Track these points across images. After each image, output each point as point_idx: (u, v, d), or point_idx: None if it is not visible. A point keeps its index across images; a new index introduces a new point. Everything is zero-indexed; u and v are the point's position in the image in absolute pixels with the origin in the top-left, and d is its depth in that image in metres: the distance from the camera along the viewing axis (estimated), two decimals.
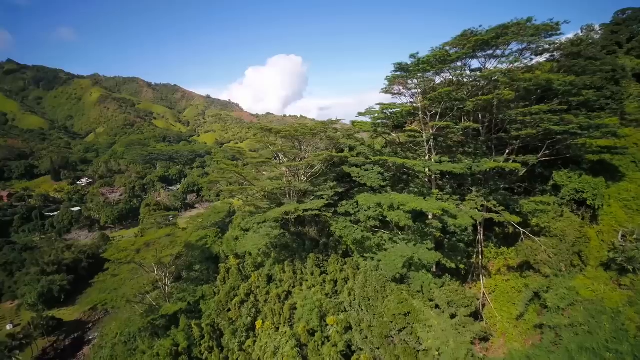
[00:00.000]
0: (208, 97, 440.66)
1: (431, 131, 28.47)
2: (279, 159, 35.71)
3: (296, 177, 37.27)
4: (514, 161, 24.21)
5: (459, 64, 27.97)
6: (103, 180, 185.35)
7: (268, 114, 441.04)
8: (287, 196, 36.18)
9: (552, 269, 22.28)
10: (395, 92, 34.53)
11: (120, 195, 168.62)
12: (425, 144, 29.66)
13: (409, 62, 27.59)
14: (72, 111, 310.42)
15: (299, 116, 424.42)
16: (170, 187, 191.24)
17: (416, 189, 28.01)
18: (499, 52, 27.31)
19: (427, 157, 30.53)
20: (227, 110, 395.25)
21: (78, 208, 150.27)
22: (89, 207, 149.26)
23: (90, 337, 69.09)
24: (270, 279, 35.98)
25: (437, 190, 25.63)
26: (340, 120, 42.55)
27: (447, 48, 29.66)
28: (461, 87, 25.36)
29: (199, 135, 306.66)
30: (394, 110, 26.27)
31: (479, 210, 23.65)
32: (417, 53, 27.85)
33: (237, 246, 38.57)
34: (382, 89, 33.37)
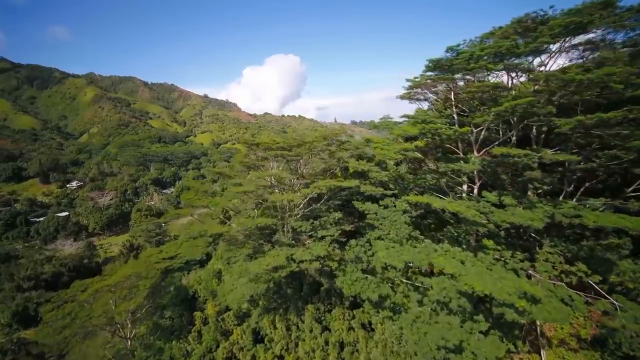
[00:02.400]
0: (205, 96, 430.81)
1: (476, 154, 20.68)
2: (270, 184, 27.92)
3: (291, 204, 29.39)
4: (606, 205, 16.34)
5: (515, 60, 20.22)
6: (94, 183, 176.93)
7: (266, 113, 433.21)
8: (280, 230, 28.40)
9: None
10: (419, 97, 26.88)
11: (111, 199, 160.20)
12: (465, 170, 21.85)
13: (447, 57, 19.85)
14: (66, 111, 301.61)
15: (297, 116, 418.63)
16: (164, 191, 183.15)
17: (456, 234, 20.16)
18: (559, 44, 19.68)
19: (465, 187, 22.74)
20: (225, 110, 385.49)
21: (66, 213, 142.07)
22: (77, 212, 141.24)
23: None
24: (257, 335, 28.17)
25: (492, 242, 17.77)
26: (345, 127, 34.77)
27: (486, 41, 22.21)
28: (538, 94, 17.35)
29: (195, 136, 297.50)
30: (437, 129, 17.90)
31: (558, 278, 15.81)
32: (458, 45, 20.16)
33: (217, 288, 30.92)
34: (404, 93, 25.60)
